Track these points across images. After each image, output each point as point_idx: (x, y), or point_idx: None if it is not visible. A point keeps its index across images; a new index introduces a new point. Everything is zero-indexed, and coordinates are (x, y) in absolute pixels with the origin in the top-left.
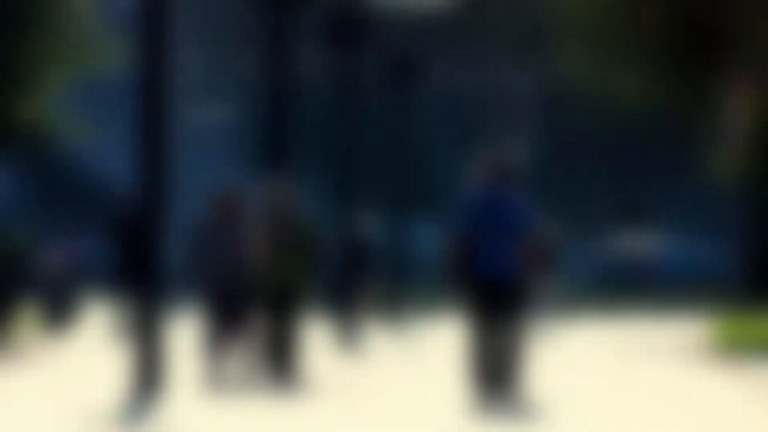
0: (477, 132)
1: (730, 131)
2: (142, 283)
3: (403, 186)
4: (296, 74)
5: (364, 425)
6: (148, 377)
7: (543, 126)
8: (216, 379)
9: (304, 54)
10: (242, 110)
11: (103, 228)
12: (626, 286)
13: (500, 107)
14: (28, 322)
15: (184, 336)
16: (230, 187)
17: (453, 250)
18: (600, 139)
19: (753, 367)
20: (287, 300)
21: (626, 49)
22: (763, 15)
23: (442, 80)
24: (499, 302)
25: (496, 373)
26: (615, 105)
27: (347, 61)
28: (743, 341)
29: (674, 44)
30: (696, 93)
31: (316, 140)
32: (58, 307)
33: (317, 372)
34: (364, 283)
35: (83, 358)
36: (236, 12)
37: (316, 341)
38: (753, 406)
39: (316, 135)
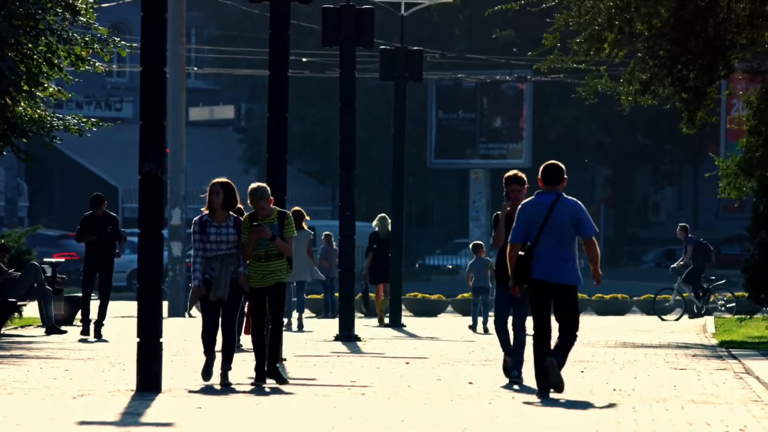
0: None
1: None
2: (143, 281)
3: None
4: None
5: None
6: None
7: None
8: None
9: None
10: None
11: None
12: None
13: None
14: (28, 321)
15: (183, 335)
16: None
17: (513, 254)
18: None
19: None
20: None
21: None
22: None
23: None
24: (559, 304)
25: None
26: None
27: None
28: None
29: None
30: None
31: (317, 139)
32: (57, 305)
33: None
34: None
35: (82, 354)
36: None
37: None
38: None
39: (317, 133)
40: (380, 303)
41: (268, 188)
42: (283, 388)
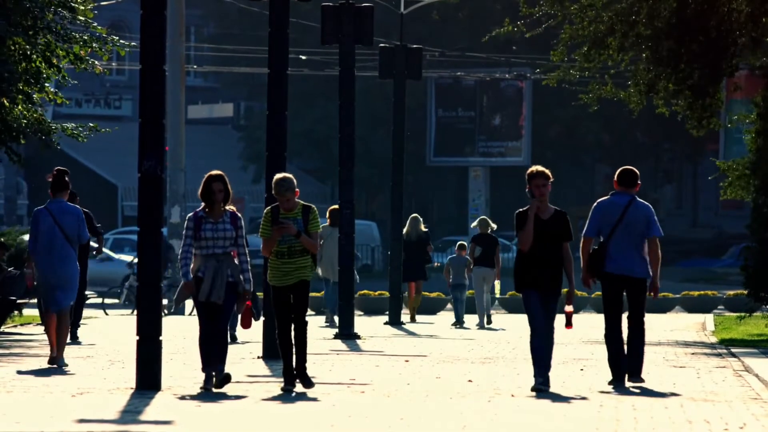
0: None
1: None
2: (143, 279)
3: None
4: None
5: None
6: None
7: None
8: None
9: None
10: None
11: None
12: None
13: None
14: (28, 319)
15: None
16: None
17: (587, 250)
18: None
19: None
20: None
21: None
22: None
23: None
24: (628, 295)
25: (627, 357)
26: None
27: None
28: None
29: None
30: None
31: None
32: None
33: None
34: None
35: (82, 353)
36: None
37: None
38: None
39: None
40: (412, 300)
41: (294, 180)
42: (280, 387)
